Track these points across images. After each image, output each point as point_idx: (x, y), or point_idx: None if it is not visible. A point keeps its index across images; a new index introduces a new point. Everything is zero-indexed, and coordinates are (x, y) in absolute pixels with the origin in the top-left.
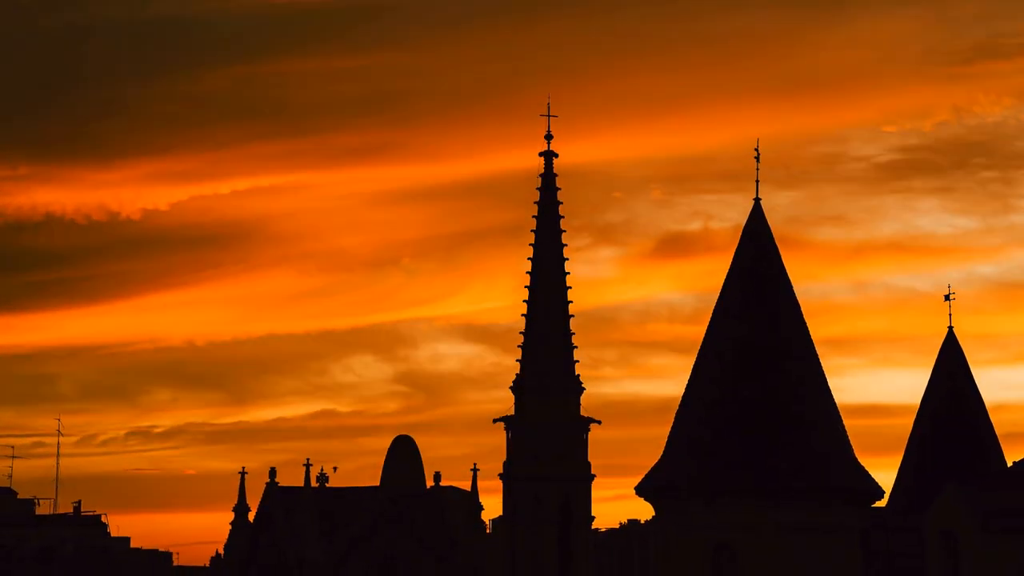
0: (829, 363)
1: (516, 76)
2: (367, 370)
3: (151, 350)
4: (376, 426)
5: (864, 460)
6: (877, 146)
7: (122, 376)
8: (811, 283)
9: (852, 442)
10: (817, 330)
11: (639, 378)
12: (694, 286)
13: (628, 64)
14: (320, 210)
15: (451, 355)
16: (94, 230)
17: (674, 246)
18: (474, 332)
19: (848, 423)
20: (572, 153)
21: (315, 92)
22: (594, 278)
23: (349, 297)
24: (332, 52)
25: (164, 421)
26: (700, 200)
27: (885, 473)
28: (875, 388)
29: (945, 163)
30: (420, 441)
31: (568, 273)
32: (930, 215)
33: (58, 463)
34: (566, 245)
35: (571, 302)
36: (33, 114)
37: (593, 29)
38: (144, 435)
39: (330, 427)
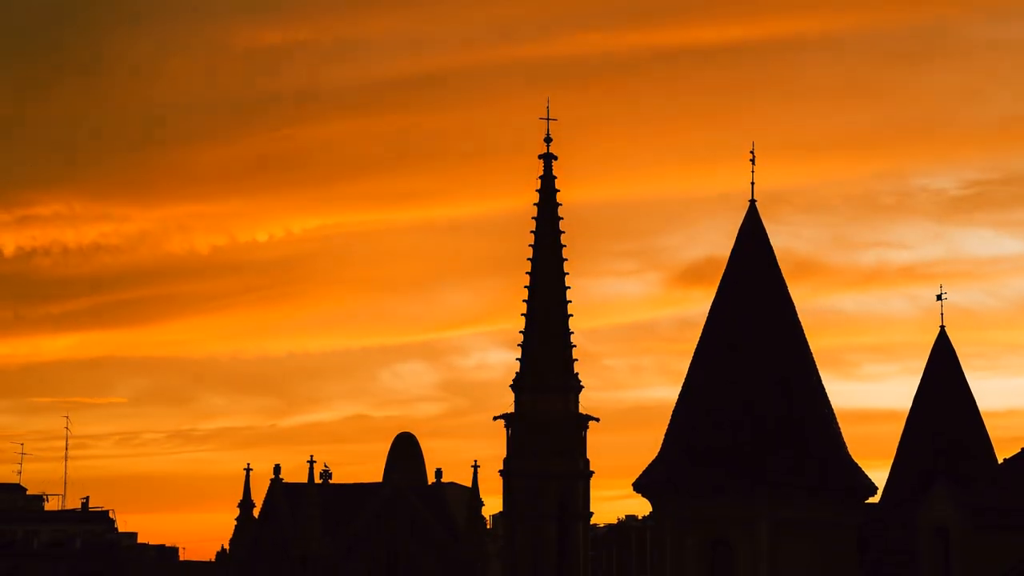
0: (850, 370)
1: (517, 131)
2: (413, 378)
3: (209, 360)
4: (405, 428)
5: (861, 461)
6: (948, 180)
7: (177, 384)
8: (845, 296)
9: (852, 444)
10: (839, 336)
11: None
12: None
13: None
14: (359, 245)
15: (496, 364)
16: (141, 260)
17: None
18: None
19: (847, 425)
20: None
21: (346, 150)
22: (640, 295)
23: (397, 315)
24: (361, 116)
25: (206, 425)
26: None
27: (880, 473)
28: (874, 391)
29: (1010, 196)
30: (449, 443)
31: (567, 274)
32: (984, 241)
33: (66, 461)
34: (565, 246)
35: (570, 301)
36: (96, 167)
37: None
38: (184, 437)
39: (362, 429)
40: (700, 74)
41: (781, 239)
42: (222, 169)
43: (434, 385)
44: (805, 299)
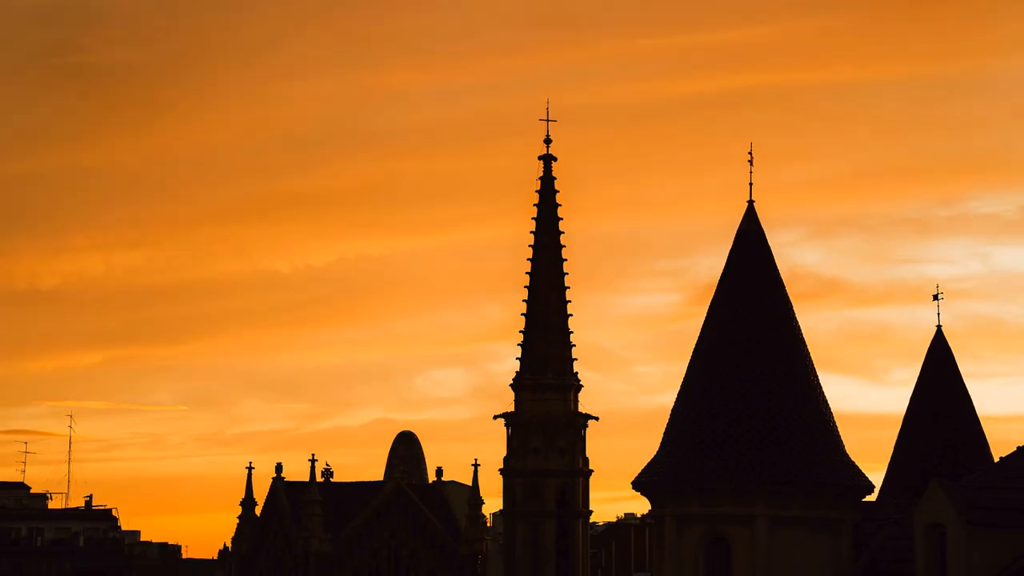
0: (850, 370)
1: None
2: (449, 383)
3: (239, 369)
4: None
5: (858, 461)
6: (1005, 205)
7: (218, 388)
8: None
9: (850, 444)
10: (839, 336)
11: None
12: None
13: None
14: (396, 267)
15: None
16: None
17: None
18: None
19: (845, 425)
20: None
21: (373, 187)
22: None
23: (436, 327)
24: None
25: (232, 428)
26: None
27: (878, 473)
28: (874, 391)
29: None
30: (468, 446)
31: (567, 274)
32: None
33: (70, 459)
34: (564, 246)
35: (569, 301)
36: (139, 206)
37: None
38: (209, 441)
39: (381, 432)
40: (754, 112)
41: (818, 254)
42: (248, 203)
43: (464, 390)
44: (826, 308)
